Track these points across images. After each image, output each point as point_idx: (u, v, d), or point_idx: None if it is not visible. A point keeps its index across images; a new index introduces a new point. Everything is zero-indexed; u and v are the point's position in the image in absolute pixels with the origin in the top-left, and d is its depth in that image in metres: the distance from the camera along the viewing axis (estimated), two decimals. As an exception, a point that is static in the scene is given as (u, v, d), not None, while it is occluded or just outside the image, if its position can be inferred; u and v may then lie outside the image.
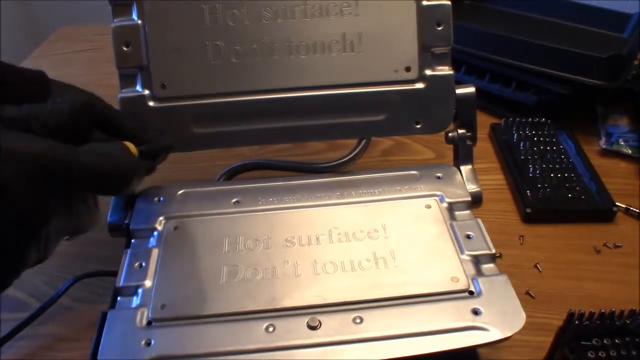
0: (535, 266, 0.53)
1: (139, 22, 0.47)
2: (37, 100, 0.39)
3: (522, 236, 0.56)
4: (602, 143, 0.68)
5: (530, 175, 0.61)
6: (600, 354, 0.39)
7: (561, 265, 0.53)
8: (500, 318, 0.37)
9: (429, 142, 0.69)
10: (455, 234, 0.44)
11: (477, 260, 0.42)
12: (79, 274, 0.48)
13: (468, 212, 0.47)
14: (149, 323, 0.38)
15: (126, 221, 0.46)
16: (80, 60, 0.90)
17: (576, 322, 0.40)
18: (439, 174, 0.50)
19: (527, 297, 0.50)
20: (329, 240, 0.44)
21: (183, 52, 0.47)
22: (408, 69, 0.49)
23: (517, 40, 0.71)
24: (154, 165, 0.45)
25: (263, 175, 0.53)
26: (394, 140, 0.69)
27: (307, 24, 0.48)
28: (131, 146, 0.41)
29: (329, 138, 0.53)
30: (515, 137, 0.67)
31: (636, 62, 0.74)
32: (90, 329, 0.38)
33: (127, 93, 0.48)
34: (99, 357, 0.36)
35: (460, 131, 0.51)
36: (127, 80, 0.48)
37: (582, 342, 0.40)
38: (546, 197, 0.59)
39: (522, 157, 0.64)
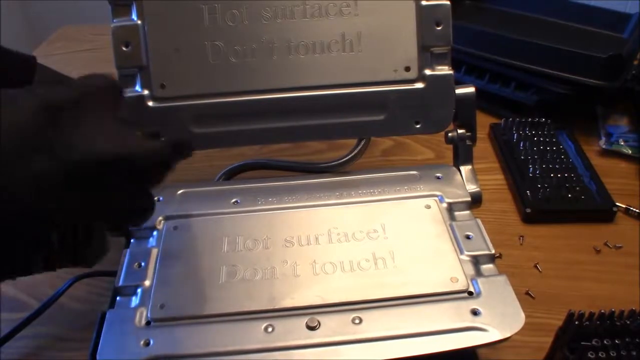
0: (535, 266, 0.53)
1: (139, 22, 0.47)
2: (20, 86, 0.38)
3: (522, 236, 0.56)
4: (602, 143, 0.68)
5: (530, 175, 0.61)
6: (600, 355, 0.39)
7: (561, 265, 0.53)
8: (500, 319, 0.37)
9: (428, 142, 0.69)
10: (454, 234, 0.44)
11: (476, 261, 0.42)
12: (78, 274, 0.48)
13: (468, 212, 0.47)
14: (148, 323, 0.38)
15: (125, 221, 0.46)
16: (80, 60, 0.90)
17: (576, 323, 0.40)
18: (438, 174, 0.50)
19: (527, 298, 0.50)
20: (329, 240, 0.44)
21: (182, 52, 0.47)
22: (407, 69, 0.49)
23: (517, 40, 0.71)
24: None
25: (262, 175, 0.53)
26: (394, 140, 0.69)
27: (306, 24, 0.48)
28: None
29: (329, 138, 0.53)
30: (515, 137, 0.67)
31: (636, 62, 0.74)
32: (89, 328, 0.38)
33: (127, 93, 0.48)
34: (98, 357, 0.36)
35: (459, 131, 0.50)
36: (126, 80, 0.48)
37: (582, 343, 0.40)
38: (546, 197, 0.59)
39: (522, 157, 0.64)
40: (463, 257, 0.42)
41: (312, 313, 0.38)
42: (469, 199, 0.47)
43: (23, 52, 0.41)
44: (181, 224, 0.45)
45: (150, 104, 0.48)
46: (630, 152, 0.67)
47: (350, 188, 0.49)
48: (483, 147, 0.68)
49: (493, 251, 0.42)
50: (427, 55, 0.49)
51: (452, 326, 0.37)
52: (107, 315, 0.38)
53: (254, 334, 0.37)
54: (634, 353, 0.39)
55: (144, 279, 0.41)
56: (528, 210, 0.58)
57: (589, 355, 0.39)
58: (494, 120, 0.71)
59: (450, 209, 0.47)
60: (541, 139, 0.66)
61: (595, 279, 0.52)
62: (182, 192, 0.49)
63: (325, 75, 0.49)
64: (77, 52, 0.93)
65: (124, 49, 0.47)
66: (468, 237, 0.43)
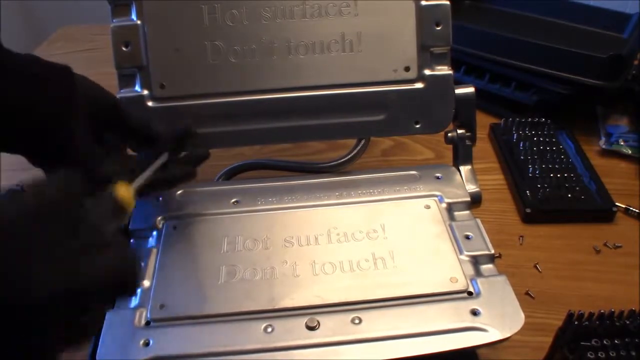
0: (535, 266, 0.53)
1: (138, 22, 0.47)
2: (61, 99, 0.37)
3: (522, 236, 0.56)
4: (602, 143, 0.68)
5: (530, 175, 0.61)
6: (599, 355, 0.39)
7: (561, 265, 0.53)
8: (499, 319, 0.37)
9: (428, 142, 0.69)
10: (454, 234, 0.44)
11: (476, 261, 0.42)
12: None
13: (467, 212, 0.47)
14: (148, 323, 0.38)
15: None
16: (80, 60, 0.90)
17: (576, 323, 0.40)
18: (438, 174, 0.50)
19: (526, 298, 0.50)
20: (328, 240, 0.44)
21: (182, 52, 0.47)
22: (407, 69, 0.49)
23: (517, 40, 0.71)
24: (193, 170, 0.46)
25: (262, 175, 0.53)
26: (394, 140, 0.69)
27: (306, 24, 0.48)
28: (123, 188, 0.35)
29: (329, 138, 0.53)
30: (515, 137, 0.67)
31: (636, 62, 0.74)
32: (89, 329, 0.38)
33: (126, 93, 0.48)
34: (97, 357, 0.36)
35: (459, 131, 0.50)
36: (126, 80, 0.48)
37: (582, 343, 0.40)
38: (546, 197, 0.59)
39: (522, 157, 0.64)
40: (463, 257, 0.42)
41: (311, 313, 0.38)
42: (468, 199, 0.47)
43: (57, 62, 0.40)
44: (181, 224, 0.45)
45: (149, 104, 0.48)
46: (630, 152, 0.66)
47: (350, 188, 0.49)
48: (483, 147, 0.68)
49: (493, 251, 0.42)
50: (426, 55, 0.49)
51: (452, 326, 0.37)
52: (106, 316, 0.38)
53: (254, 334, 0.37)
54: (634, 353, 0.39)
55: (144, 279, 0.41)
56: (528, 210, 0.58)
57: (589, 355, 0.39)
58: (494, 120, 0.71)
59: (450, 209, 0.47)
60: (541, 139, 0.66)
61: (595, 279, 0.52)
62: (182, 192, 0.49)
63: (325, 76, 0.49)
64: (77, 52, 0.94)
65: (123, 49, 0.47)
66: (468, 237, 0.43)
